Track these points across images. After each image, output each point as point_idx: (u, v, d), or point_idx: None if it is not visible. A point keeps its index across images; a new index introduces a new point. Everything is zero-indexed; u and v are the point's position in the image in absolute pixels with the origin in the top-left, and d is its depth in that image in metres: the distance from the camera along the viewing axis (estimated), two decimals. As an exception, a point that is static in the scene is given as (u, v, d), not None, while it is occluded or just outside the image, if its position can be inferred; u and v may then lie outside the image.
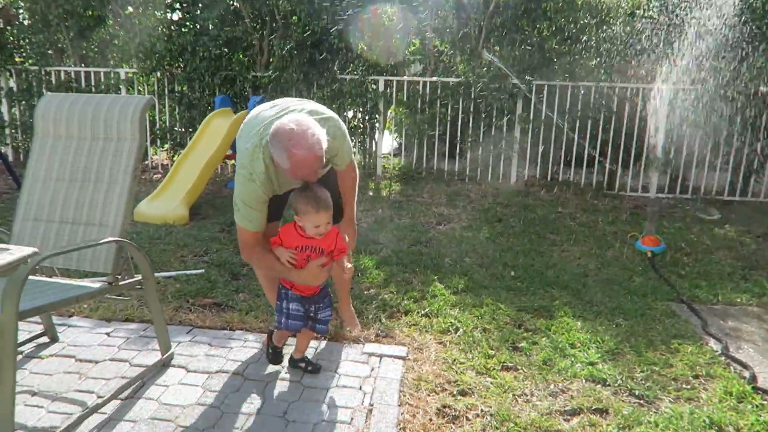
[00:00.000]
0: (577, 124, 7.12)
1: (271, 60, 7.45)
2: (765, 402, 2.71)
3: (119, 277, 2.66)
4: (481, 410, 2.56)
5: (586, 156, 7.17)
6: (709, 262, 4.69)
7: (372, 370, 2.88)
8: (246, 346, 3.07)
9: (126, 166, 2.77)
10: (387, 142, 8.60)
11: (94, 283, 2.62)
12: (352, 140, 7.57)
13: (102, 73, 7.87)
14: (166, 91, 7.65)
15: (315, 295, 2.73)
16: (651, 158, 7.06)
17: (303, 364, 2.85)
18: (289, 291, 2.71)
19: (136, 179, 2.79)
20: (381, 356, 3.01)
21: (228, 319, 3.36)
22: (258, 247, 2.62)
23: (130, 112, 2.79)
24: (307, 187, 2.54)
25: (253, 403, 2.56)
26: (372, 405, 2.57)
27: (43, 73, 7.92)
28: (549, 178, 7.39)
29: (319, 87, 7.25)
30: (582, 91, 7.07)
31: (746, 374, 2.94)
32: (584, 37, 7.33)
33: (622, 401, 2.68)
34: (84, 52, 8.98)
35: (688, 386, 2.84)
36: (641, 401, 2.70)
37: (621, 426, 2.47)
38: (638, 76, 7.21)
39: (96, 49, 9.29)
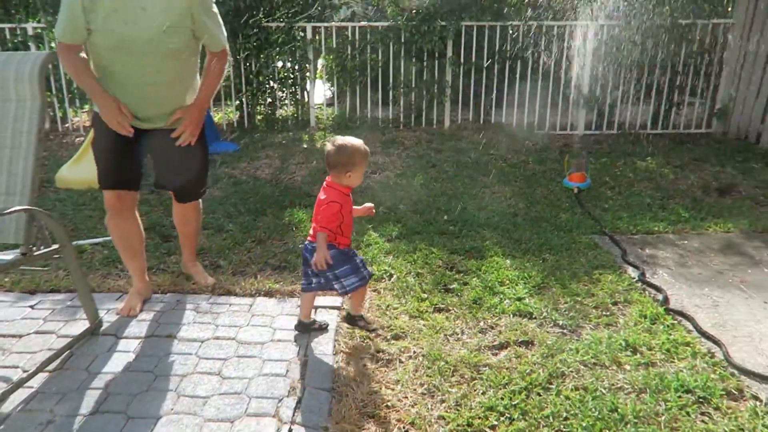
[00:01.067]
0: (507, 65, 7.17)
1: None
2: (675, 322, 2.92)
3: (33, 247, 2.54)
4: (414, 352, 2.65)
5: (516, 97, 7.26)
6: (631, 195, 4.91)
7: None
8: (177, 308, 3.03)
9: (29, 129, 2.60)
10: (320, 91, 8.42)
11: (6, 255, 2.49)
12: (283, 91, 7.39)
13: (7, 29, 7.28)
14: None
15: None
16: (578, 96, 7.21)
17: (362, 322, 2.84)
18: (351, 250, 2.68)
19: (41, 143, 2.63)
20: (316, 308, 3.03)
21: (159, 283, 3.29)
22: (70, 58, 2.68)
23: (27, 70, 2.59)
24: (347, 142, 2.55)
25: (186, 364, 2.55)
26: (307, 356, 2.61)
27: (-63, 31, 7.25)
28: (482, 121, 7.46)
29: (246, 37, 6.96)
30: (510, 31, 7.08)
31: (659, 297, 3.15)
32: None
33: (547, 332, 2.83)
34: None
35: (608, 313, 3.01)
36: (564, 330, 2.85)
37: (545, 355, 2.61)
38: (564, 13, 7.26)
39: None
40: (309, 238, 2.67)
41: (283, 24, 6.95)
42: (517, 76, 7.20)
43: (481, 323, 2.90)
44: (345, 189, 2.60)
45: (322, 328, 2.82)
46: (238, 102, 7.35)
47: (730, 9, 7.31)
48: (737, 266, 3.59)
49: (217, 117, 7.66)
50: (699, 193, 5.00)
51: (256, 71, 7.11)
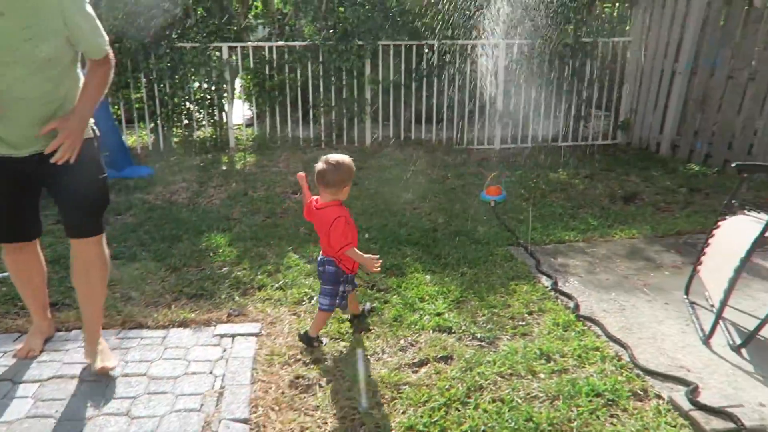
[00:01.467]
0: (424, 82, 7.33)
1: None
2: (585, 327, 3.04)
3: None
4: (334, 375, 2.62)
5: (435, 114, 7.42)
6: (544, 206, 5.11)
7: (224, 351, 2.82)
8: (84, 346, 2.85)
9: None
10: (239, 112, 8.27)
11: None
12: (200, 112, 7.21)
13: None
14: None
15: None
16: (493, 112, 7.47)
17: (316, 343, 2.88)
18: (350, 275, 2.86)
19: None
20: (233, 336, 2.95)
21: (63, 319, 3.10)
22: None
23: None
24: (341, 159, 2.73)
25: (93, 406, 2.40)
26: (223, 387, 2.52)
27: None
28: (402, 138, 7.57)
29: (158, 57, 6.75)
30: (426, 50, 7.25)
31: (571, 305, 3.27)
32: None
33: (466, 346, 2.87)
34: None
35: (523, 323, 3.10)
36: (482, 343, 2.91)
37: (463, 369, 2.65)
38: (479, 33, 7.53)
39: None
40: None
41: (197, 44, 6.80)
42: (435, 93, 7.37)
43: (402, 341, 2.91)
44: (338, 202, 2.79)
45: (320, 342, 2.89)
46: (152, 124, 7.10)
47: (627, 28, 7.80)
48: (641, 270, 3.79)
49: (131, 140, 7.36)
50: (606, 201, 5.27)
51: (171, 92, 6.90)
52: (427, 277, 3.63)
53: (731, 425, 2.24)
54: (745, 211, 3.20)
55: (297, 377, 2.60)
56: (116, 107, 6.94)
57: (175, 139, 7.22)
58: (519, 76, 7.32)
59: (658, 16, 7.00)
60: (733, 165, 3.36)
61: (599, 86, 7.60)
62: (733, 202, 3.25)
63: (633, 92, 7.52)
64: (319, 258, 2.90)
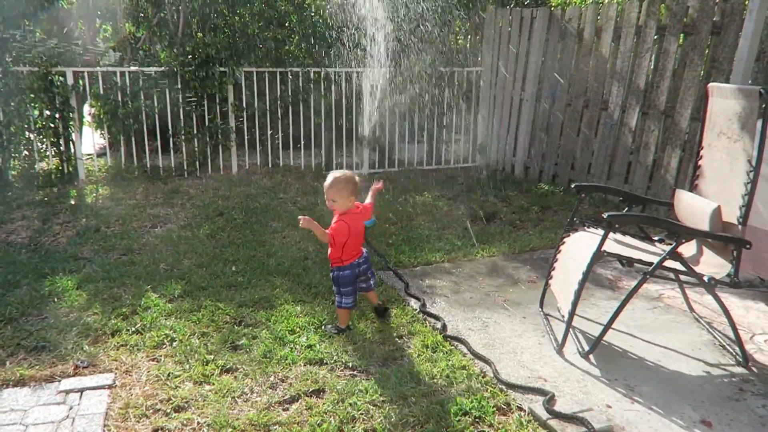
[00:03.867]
0: (290, 109, 7.29)
1: None
2: (453, 347, 3.14)
3: None
4: (198, 423, 2.45)
5: (302, 140, 7.39)
6: (411, 228, 5.26)
7: (70, 409, 2.54)
8: None
9: None
10: (90, 141, 7.65)
11: None
12: (43, 142, 6.57)
13: None
14: None
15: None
16: (361, 137, 7.61)
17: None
18: (335, 269, 3.31)
19: None
20: (81, 391, 2.67)
21: None
22: None
23: None
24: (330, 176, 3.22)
25: None
26: (68, 451, 2.26)
27: None
28: (270, 165, 7.45)
29: (-12, 82, 6.06)
30: (290, 77, 7.23)
31: (438, 325, 3.37)
32: (286, 23, 7.48)
33: (338, 377, 2.83)
34: None
35: (394, 347, 3.13)
36: (355, 372, 2.89)
37: (335, 401, 2.60)
38: (344, 60, 7.66)
39: None
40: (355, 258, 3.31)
41: (36, 69, 6.21)
42: (301, 119, 7.35)
43: (272, 378, 2.80)
44: (347, 212, 3.23)
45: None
46: (-16, 156, 6.33)
47: (479, 59, 8.37)
48: (501, 287, 4.01)
49: (-42, 174, 6.51)
50: (468, 222, 5.54)
51: (6, 121, 6.21)
52: (298, 308, 3.56)
53: (584, 429, 2.40)
54: (585, 228, 3.51)
55: (156, 430, 2.40)
56: (-63, 138, 6.11)
57: (13, 172, 6.49)
58: (383, 102, 7.54)
59: (504, 49, 7.58)
60: (572, 186, 3.68)
61: (457, 112, 8.04)
62: (575, 219, 3.55)
63: (488, 118, 8.06)
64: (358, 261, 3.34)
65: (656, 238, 3.45)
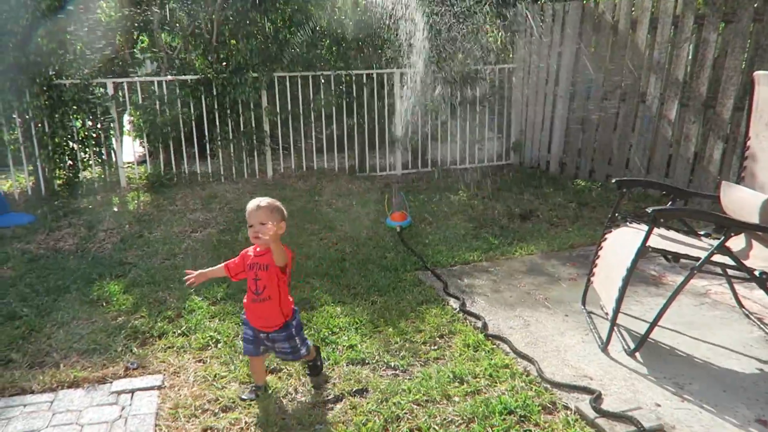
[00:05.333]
0: (323, 112, 7.35)
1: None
2: (494, 346, 3.12)
3: None
4: (245, 422, 2.49)
5: (335, 142, 7.44)
6: (447, 228, 5.24)
7: (122, 409, 2.61)
8: (-45, 422, 2.53)
9: None
10: (130, 149, 7.86)
11: None
12: (86, 152, 6.77)
13: None
14: None
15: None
16: (393, 138, 7.62)
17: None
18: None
19: None
20: (132, 391, 2.74)
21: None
22: None
23: None
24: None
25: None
26: (123, 450, 2.32)
27: None
28: (305, 168, 7.52)
29: (33, 95, 6.27)
30: (322, 81, 7.29)
31: (479, 324, 3.35)
32: (317, 27, 7.54)
33: (380, 376, 2.84)
34: None
35: (435, 347, 3.13)
36: (397, 372, 2.89)
37: (379, 401, 2.61)
38: (375, 61, 7.69)
39: None
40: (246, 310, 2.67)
41: (78, 81, 6.41)
42: (335, 122, 7.41)
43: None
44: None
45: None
46: (31, 167, 6.56)
47: (512, 55, 8.29)
48: (541, 285, 3.97)
49: (7, 185, 6.76)
50: (505, 220, 5.49)
51: (51, 132, 6.43)
52: (338, 308, 3.58)
53: (633, 428, 2.36)
54: (628, 223, 3.44)
55: (206, 429, 2.45)
56: (-13, 150, 6.36)
57: (59, 182, 6.71)
58: (415, 102, 7.53)
59: (537, 45, 7.49)
60: (613, 181, 3.62)
61: (490, 110, 7.98)
62: (616, 215, 3.49)
63: (521, 115, 7.97)
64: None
65: (702, 233, 3.36)
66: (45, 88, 6.30)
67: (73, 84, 6.41)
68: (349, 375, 2.83)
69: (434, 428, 2.41)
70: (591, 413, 2.46)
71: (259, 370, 2.73)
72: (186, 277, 2.65)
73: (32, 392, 2.75)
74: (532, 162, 7.86)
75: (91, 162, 6.84)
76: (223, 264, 2.70)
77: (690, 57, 5.91)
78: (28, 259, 4.60)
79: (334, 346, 3.13)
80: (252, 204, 2.57)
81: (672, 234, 3.29)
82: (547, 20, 7.27)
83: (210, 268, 2.72)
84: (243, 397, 2.65)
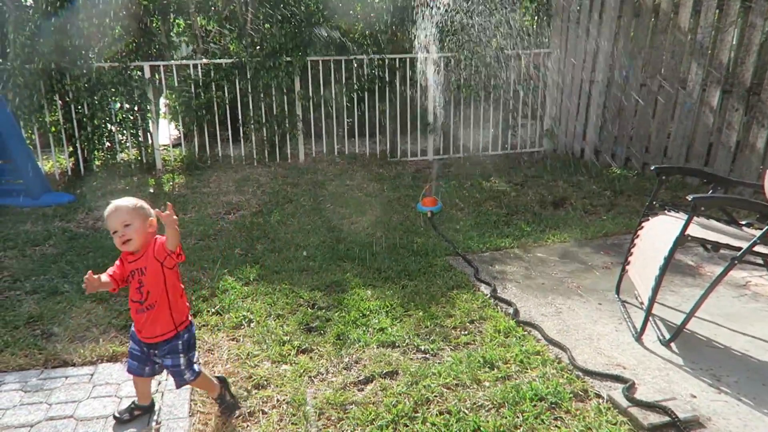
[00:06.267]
0: (355, 97, 7.34)
1: (6, 49, 6.39)
2: (526, 332, 3.09)
3: None
4: (277, 400, 2.53)
5: (367, 127, 7.44)
6: (479, 214, 5.20)
7: (159, 384, 2.68)
8: (0, 390, 2.63)
9: None
10: (166, 132, 8.00)
11: None
12: (123, 134, 6.92)
13: None
14: None
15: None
16: (425, 124, 7.58)
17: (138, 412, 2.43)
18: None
19: None
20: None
21: None
22: None
23: None
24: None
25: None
26: (159, 423, 2.39)
27: None
28: (336, 153, 7.55)
29: (74, 78, 6.42)
30: (355, 65, 7.28)
31: (510, 311, 3.33)
32: (351, 11, 7.52)
33: (410, 359, 2.85)
34: None
35: (466, 332, 3.12)
36: (427, 355, 2.90)
37: (409, 384, 2.63)
38: (409, 46, 7.64)
39: None
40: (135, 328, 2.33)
41: (117, 64, 6.53)
42: (366, 106, 7.40)
43: (346, 359, 2.86)
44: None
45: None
46: (71, 148, 6.73)
47: (547, 40, 8.13)
48: (574, 273, 3.92)
49: (48, 166, 6.96)
50: (537, 207, 5.43)
51: (90, 114, 6.58)
52: (369, 292, 3.60)
53: (667, 419, 2.32)
54: (666, 212, 3.36)
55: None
56: (30, 131, 6.54)
57: (97, 163, 6.88)
58: (448, 87, 7.47)
59: (573, 29, 7.33)
60: (652, 168, 3.53)
61: (524, 96, 7.86)
62: (653, 203, 3.41)
63: (555, 101, 7.83)
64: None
65: (744, 222, 3.27)
66: (85, 71, 6.43)
67: (111, 67, 6.53)
68: (380, 357, 2.85)
69: (464, 412, 2.41)
70: (623, 402, 2.43)
71: (142, 390, 2.43)
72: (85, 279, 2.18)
73: (73, 365, 2.85)
74: (565, 149, 7.73)
75: (128, 144, 6.99)
76: (107, 273, 2.28)
77: (734, 42, 5.71)
78: (69, 237, 4.73)
79: (364, 328, 3.15)
80: (109, 208, 2.23)
81: (712, 223, 3.20)
82: (584, 2, 7.10)
83: (101, 276, 2.24)
84: (116, 414, 2.39)
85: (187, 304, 2.38)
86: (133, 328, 2.34)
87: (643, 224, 3.39)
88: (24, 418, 2.43)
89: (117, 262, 2.32)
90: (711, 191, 3.39)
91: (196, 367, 2.34)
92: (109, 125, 6.82)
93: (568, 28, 7.44)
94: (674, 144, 6.21)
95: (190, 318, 2.36)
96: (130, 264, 2.27)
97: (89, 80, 6.50)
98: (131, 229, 2.22)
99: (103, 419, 2.42)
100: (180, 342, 2.29)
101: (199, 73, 6.89)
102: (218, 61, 6.93)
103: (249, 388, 2.63)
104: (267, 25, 7.13)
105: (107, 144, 6.89)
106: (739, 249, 2.80)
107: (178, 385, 2.35)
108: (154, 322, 2.25)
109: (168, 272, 2.25)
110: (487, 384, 2.62)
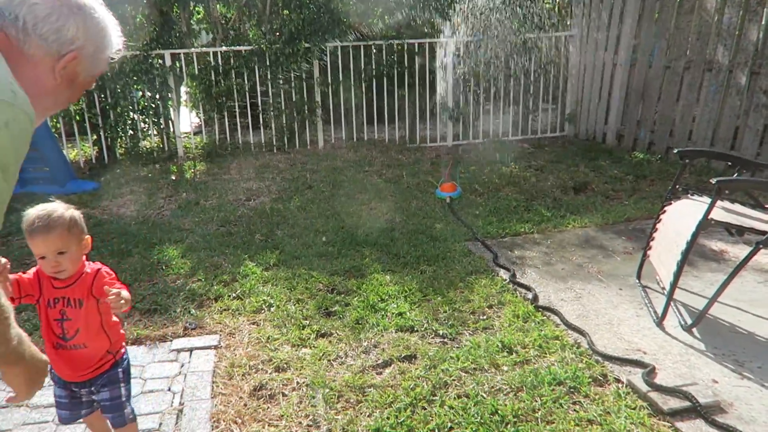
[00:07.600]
0: (374, 83, 7.31)
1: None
2: (545, 317, 3.09)
3: None
4: (297, 383, 2.57)
5: (386, 113, 7.42)
6: (498, 199, 5.17)
7: (182, 366, 2.74)
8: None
9: None
10: (186, 120, 8.07)
11: None
12: (145, 122, 7.00)
13: None
14: None
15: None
16: (444, 109, 7.53)
17: None
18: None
19: None
20: (191, 350, 2.87)
21: None
22: None
23: None
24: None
25: (43, 434, 2.28)
26: (182, 404, 2.44)
27: None
28: (355, 139, 7.54)
29: (96, 66, 6.49)
30: (374, 51, 7.24)
31: (529, 296, 3.32)
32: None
33: (429, 344, 2.87)
34: None
35: (484, 317, 3.12)
36: (445, 340, 2.91)
37: (427, 367, 2.64)
38: (426, 31, 7.57)
39: None
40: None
41: (138, 53, 6.59)
42: (385, 92, 7.36)
43: (365, 343, 2.88)
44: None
45: None
46: (95, 136, 6.84)
47: (569, 22, 8.00)
48: (594, 258, 3.88)
49: (72, 154, 7.08)
50: (558, 192, 5.37)
51: (113, 102, 6.66)
52: (387, 277, 3.62)
53: (687, 403, 2.31)
54: (689, 195, 3.31)
55: (258, 387, 2.54)
56: (55, 120, 6.65)
57: (120, 151, 6.98)
58: (467, 72, 7.40)
59: (596, 11, 7.19)
60: (675, 151, 3.47)
61: (545, 80, 7.75)
62: (677, 187, 3.36)
63: (577, 85, 7.71)
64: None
65: (770, 206, 3.20)
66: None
67: (133, 55, 6.60)
68: (398, 341, 2.87)
69: (482, 395, 2.43)
70: (643, 387, 2.41)
71: (101, 428, 2.04)
72: None
73: (99, 347, 2.92)
74: (587, 134, 7.62)
75: (150, 132, 7.07)
76: (16, 275, 1.76)
77: (764, 22, 5.55)
78: (93, 223, 4.82)
79: (383, 312, 3.17)
80: (36, 223, 1.67)
81: (737, 207, 3.14)
82: (608, -16, 6.96)
83: (13, 275, 1.73)
84: None
85: (123, 331, 1.98)
86: (51, 368, 1.81)
87: (665, 208, 3.34)
88: (51, 398, 2.50)
89: (32, 270, 1.80)
90: (736, 175, 3.33)
91: (131, 407, 1.96)
92: (131, 113, 6.90)
93: (590, 10, 7.30)
94: (699, 128, 6.08)
95: (125, 345, 1.98)
96: (55, 290, 1.77)
97: (112, 69, 6.57)
98: (66, 258, 1.72)
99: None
100: (120, 370, 1.90)
101: (219, 61, 6.92)
102: (238, 48, 6.95)
103: (269, 370, 2.67)
104: (286, 12, 7.12)
105: (130, 132, 6.97)
106: (764, 233, 2.75)
107: (116, 426, 1.93)
108: (83, 358, 1.82)
109: (106, 308, 1.80)
110: (505, 368, 2.62)
